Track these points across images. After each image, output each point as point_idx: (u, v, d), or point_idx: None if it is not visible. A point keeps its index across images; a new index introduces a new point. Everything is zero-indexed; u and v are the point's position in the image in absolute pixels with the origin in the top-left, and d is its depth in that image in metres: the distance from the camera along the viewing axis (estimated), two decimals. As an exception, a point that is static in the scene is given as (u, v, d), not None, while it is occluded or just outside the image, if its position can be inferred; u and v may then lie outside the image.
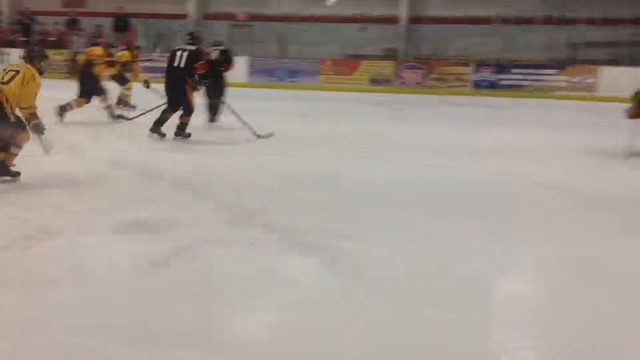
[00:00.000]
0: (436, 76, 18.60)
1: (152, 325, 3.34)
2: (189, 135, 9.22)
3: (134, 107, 11.84)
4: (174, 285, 3.89)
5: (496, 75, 18.38)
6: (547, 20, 19.15)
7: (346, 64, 19.50)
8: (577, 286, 4.21)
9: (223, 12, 22.32)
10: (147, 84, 11.03)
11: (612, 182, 7.51)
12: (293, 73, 19.40)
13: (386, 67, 19.07)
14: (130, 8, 20.55)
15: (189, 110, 9.11)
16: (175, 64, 9.07)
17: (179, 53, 9.13)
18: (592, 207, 6.37)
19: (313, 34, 20.65)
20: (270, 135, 9.58)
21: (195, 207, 5.69)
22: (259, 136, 9.46)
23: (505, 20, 19.59)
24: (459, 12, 20.72)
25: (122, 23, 20.00)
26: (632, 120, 8.93)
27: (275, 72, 19.54)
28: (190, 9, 22.47)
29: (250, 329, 3.49)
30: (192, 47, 9.22)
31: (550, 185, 7.13)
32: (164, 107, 9.30)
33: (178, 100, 9.07)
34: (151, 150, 8.44)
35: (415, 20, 21.18)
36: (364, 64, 19.31)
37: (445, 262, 4.50)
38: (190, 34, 9.66)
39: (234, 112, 9.86)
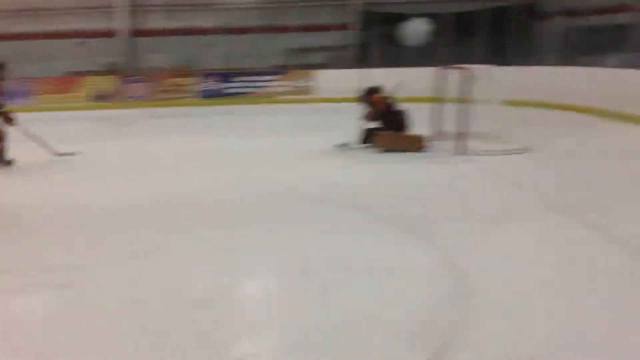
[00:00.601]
0: (161, 88, 18.31)
1: None
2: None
3: None
4: None
5: (221, 85, 18.66)
6: (263, 29, 19.92)
7: (64, 82, 18.29)
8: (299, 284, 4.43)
9: None
10: None
11: (325, 178, 8.01)
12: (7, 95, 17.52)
13: (108, 83, 18.28)
14: None
15: None
16: None
17: None
18: (311, 205, 6.70)
19: (28, 51, 19.00)
20: (72, 154, 9.42)
21: None
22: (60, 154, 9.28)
23: (226, 31, 20.01)
24: (180, 24, 20.75)
25: None
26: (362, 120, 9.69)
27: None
28: None
29: None
30: None
31: (278, 185, 7.39)
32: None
33: None
34: None
35: (136, 33, 20.68)
36: (85, 80, 18.29)
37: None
38: None
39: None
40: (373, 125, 9.66)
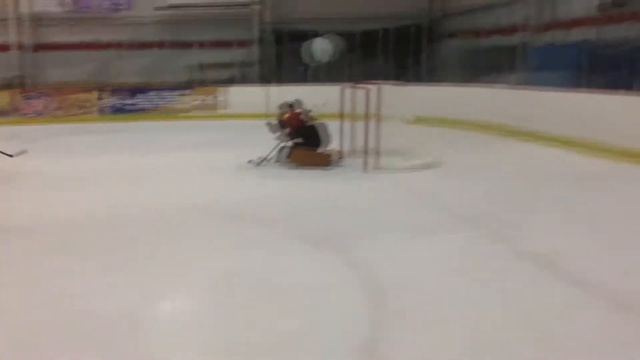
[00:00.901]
0: (61, 104, 17.58)
1: None
2: None
3: None
4: None
5: (127, 100, 18.15)
6: (170, 45, 19.55)
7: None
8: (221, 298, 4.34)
9: None
10: None
11: (239, 194, 7.91)
12: None
13: (3, 98, 17.37)
14: None
15: None
16: None
17: None
18: (224, 221, 6.58)
19: None
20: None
21: None
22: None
23: (132, 46, 19.54)
24: (81, 38, 20.09)
25: None
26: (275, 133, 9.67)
27: None
28: None
29: None
30: None
31: (169, 204, 7.20)
32: None
33: None
34: None
35: (37, 47, 19.86)
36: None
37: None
38: None
39: None
40: (289, 141, 9.65)
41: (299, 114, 9.73)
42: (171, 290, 4.65)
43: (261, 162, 9.60)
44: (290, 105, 9.89)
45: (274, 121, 9.86)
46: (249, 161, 9.64)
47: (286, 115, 9.69)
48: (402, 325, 3.86)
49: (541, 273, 4.79)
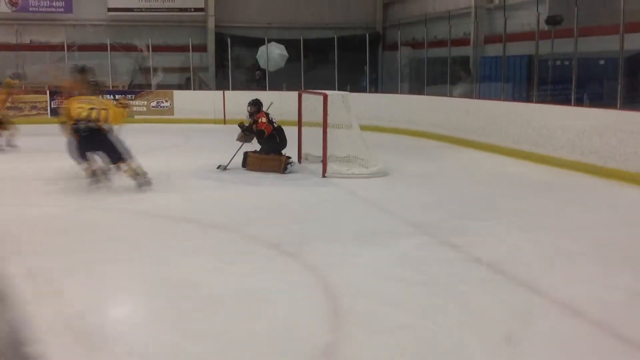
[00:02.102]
0: (10, 105, 17.12)
1: None
2: None
3: None
4: None
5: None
6: (117, 48, 19.33)
7: None
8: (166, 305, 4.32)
9: None
10: None
11: (193, 200, 7.93)
12: None
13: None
14: None
15: None
16: None
17: None
18: (178, 225, 6.60)
19: None
20: None
21: None
22: None
23: (78, 47, 19.24)
24: (26, 39, 19.71)
25: None
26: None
27: None
28: None
29: None
30: None
31: (121, 210, 7.19)
32: None
33: None
34: None
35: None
36: None
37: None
38: None
39: None
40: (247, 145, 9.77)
41: (269, 116, 9.79)
42: (120, 297, 4.65)
43: (226, 166, 9.68)
44: (256, 104, 9.88)
45: (245, 124, 9.89)
46: (218, 167, 9.72)
47: (263, 120, 9.66)
48: (357, 330, 3.94)
49: (493, 278, 4.98)
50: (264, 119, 9.65)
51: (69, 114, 8.18)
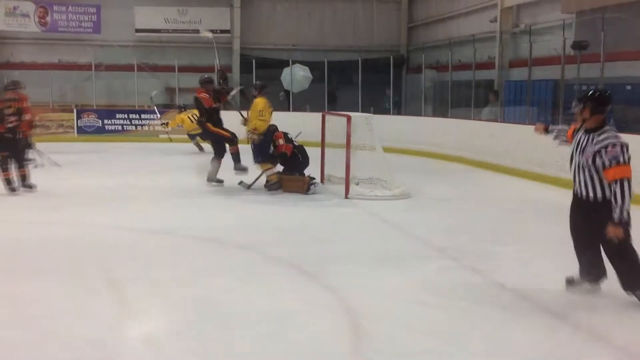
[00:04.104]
0: (38, 123, 17.44)
1: None
2: None
3: None
4: None
5: (101, 120, 18.15)
6: (144, 68, 19.63)
7: None
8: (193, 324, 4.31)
9: None
10: None
11: (223, 219, 7.96)
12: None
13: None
14: None
15: None
16: None
17: None
18: (201, 245, 6.61)
19: None
20: None
21: None
22: None
23: (105, 67, 19.55)
24: (54, 58, 20.09)
25: None
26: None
27: None
28: None
29: None
30: None
31: (143, 229, 7.21)
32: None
33: None
34: None
35: (3, 65, 19.78)
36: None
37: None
38: None
39: None
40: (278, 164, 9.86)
41: (287, 135, 9.88)
42: (145, 316, 4.65)
43: (250, 186, 9.75)
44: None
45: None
46: (240, 183, 9.82)
47: (281, 142, 9.71)
48: (377, 355, 3.88)
49: (517, 305, 4.89)
50: (281, 141, 9.72)
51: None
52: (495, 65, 15.88)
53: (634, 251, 4.67)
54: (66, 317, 4.42)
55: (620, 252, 4.63)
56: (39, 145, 11.61)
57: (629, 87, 11.88)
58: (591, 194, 4.68)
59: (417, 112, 16.75)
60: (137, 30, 20.25)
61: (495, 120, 13.81)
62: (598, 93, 4.85)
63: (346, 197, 9.16)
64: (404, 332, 4.24)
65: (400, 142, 15.12)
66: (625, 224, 4.50)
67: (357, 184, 9.47)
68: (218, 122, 9.97)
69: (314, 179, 9.74)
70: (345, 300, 4.83)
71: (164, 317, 4.57)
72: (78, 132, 17.95)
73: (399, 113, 18.64)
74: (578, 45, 12.26)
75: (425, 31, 20.94)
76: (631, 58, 11.42)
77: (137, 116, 18.30)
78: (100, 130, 18.05)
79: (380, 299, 4.92)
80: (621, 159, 4.52)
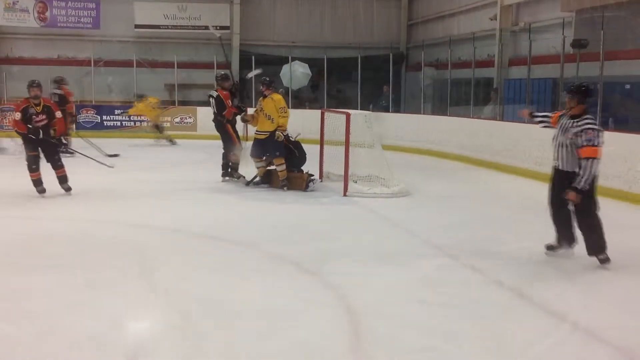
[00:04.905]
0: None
1: None
2: None
3: None
4: None
5: (100, 116, 18.15)
6: (144, 64, 19.63)
7: None
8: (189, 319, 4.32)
9: None
10: None
11: (216, 215, 7.96)
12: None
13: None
14: None
15: None
16: None
17: None
18: (201, 242, 6.62)
19: None
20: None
21: None
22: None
23: (104, 63, 19.55)
24: (53, 54, 20.07)
25: None
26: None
27: None
28: None
29: None
30: None
31: (143, 225, 7.22)
32: None
33: None
34: None
35: (1, 61, 19.84)
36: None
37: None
38: None
39: None
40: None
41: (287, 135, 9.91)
42: (144, 312, 4.65)
43: (250, 182, 9.82)
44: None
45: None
46: (238, 177, 10.00)
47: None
48: (377, 352, 3.90)
49: (515, 303, 4.91)
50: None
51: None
52: (495, 64, 15.88)
53: (600, 222, 5.70)
54: (65, 312, 4.44)
55: (591, 223, 5.69)
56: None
57: (628, 86, 11.90)
58: (569, 168, 5.72)
59: (416, 110, 16.76)
60: (137, 26, 20.20)
61: (495, 119, 13.82)
62: (584, 87, 5.80)
63: (345, 195, 9.16)
64: (403, 329, 4.27)
65: (399, 139, 15.14)
66: (591, 197, 5.59)
67: (356, 182, 9.48)
68: (234, 123, 10.02)
69: (312, 175, 9.75)
70: (345, 297, 4.84)
71: (164, 314, 4.58)
72: (77, 128, 17.88)
73: (398, 111, 18.64)
74: (577, 44, 12.27)
75: (425, 29, 20.92)
76: (630, 57, 11.42)
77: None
78: (99, 127, 18.03)
79: (379, 296, 4.94)
80: (594, 142, 5.47)
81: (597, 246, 5.71)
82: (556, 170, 5.92)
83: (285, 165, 9.52)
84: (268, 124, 9.44)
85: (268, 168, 9.79)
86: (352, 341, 4.09)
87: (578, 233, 5.86)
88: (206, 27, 18.48)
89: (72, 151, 10.83)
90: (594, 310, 4.72)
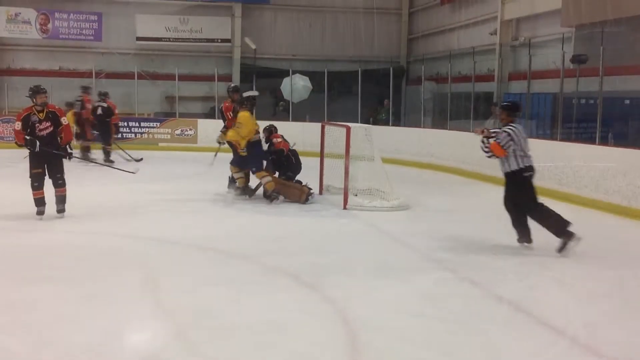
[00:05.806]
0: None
1: None
2: None
3: None
4: None
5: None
6: (144, 76, 19.70)
7: None
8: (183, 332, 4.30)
9: None
10: None
11: (215, 228, 7.95)
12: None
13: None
14: None
15: None
16: None
17: None
18: (199, 255, 6.60)
19: None
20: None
21: None
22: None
23: (105, 75, 19.63)
24: (55, 65, 20.15)
25: None
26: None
27: None
28: None
29: None
30: None
31: (142, 237, 7.21)
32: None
33: None
34: None
35: (2, 72, 19.93)
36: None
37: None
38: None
39: None
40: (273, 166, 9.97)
41: (283, 137, 10.05)
42: (143, 324, 4.64)
43: (251, 194, 9.83)
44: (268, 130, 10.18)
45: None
46: (235, 191, 9.98)
47: (278, 140, 9.91)
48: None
49: (514, 317, 4.90)
50: (279, 139, 9.93)
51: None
52: (495, 78, 15.95)
53: (548, 209, 6.65)
54: (63, 324, 4.42)
55: (539, 213, 6.66)
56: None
57: (627, 101, 11.93)
58: (508, 168, 6.87)
59: (416, 124, 16.78)
60: (138, 39, 20.30)
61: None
62: (511, 103, 7.23)
63: (345, 208, 9.16)
64: (401, 343, 4.25)
65: (399, 153, 15.16)
66: (527, 194, 6.73)
67: (356, 195, 9.48)
68: None
69: (311, 189, 9.75)
70: (343, 310, 4.83)
71: (162, 326, 4.56)
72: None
73: (397, 124, 18.67)
74: (577, 59, 12.33)
75: (425, 43, 21.03)
76: (630, 72, 11.47)
77: (137, 124, 18.30)
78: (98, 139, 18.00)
79: (378, 310, 4.93)
80: (501, 142, 6.66)
81: (557, 227, 6.48)
82: (504, 175, 6.95)
83: (269, 177, 9.50)
84: (241, 139, 9.45)
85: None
86: (350, 354, 4.08)
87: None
88: (207, 40, 18.58)
89: (94, 161, 10.81)
90: (593, 326, 4.69)
